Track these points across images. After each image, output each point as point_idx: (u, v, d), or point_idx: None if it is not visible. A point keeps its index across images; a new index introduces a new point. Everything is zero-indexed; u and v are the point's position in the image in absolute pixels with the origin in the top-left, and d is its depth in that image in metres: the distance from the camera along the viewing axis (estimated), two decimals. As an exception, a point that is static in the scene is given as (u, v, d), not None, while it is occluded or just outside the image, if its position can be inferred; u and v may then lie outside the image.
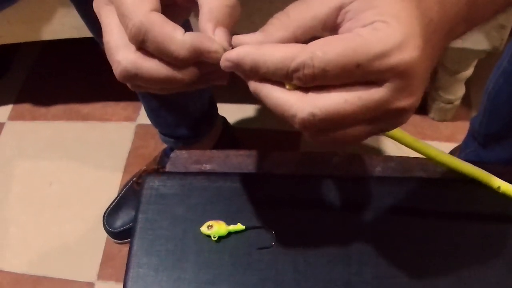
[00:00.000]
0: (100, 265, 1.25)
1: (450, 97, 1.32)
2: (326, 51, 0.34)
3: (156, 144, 1.38)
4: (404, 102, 0.36)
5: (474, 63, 1.23)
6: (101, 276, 1.23)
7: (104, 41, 0.41)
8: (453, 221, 0.58)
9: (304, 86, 0.36)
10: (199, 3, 0.40)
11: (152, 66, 0.39)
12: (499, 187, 0.53)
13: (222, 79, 0.43)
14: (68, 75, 1.58)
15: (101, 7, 0.41)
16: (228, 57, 0.38)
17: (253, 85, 0.38)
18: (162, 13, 0.39)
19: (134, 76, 0.39)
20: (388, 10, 0.35)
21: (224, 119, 1.29)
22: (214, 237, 0.57)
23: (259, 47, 0.37)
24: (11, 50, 1.64)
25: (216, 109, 1.22)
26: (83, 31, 1.19)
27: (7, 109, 1.55)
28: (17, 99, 1.57)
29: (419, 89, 0.37)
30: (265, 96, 0.38)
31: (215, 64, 0.39)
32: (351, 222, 0.58)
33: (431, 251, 0.56)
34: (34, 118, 1.52)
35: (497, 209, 0.58)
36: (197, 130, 1.16)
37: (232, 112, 1.34)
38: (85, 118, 1.50)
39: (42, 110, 1.53)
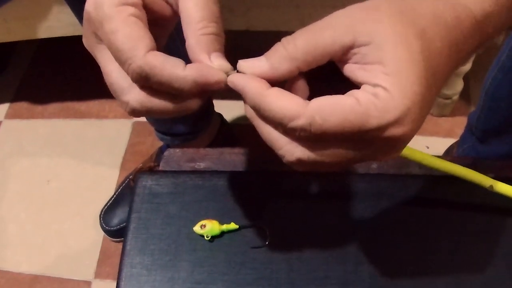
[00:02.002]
0: (97, 264, 1.25)
1: (448, 92, 1.32)
2: (325, 120, 0.35)
3: (153, 141, 1.38)
4: (392, 157, 0.38)
5: (472, 57, 1.22)
6: (98, 274, 1.23)
7: (107, 83, 0.41)
8: (450, 218, 0.57)
9: (296, 141, 0.37)
10: (184, 34, 0.39)
11: (160, 103, 0.39)
12: (491, 186, 0.52)
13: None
14: (65, 73, 1.57)
15: (94, 46, 0.41)
16: (233, 81, 0.38)
17: (250, 113, 0.39)
18: (150, 30, 0.39)
19: (145, 113, 0.40)
20: (394, 73, 0.34)
21: (220, 116, 1.29)
22: (207, 237, 0.56)
23: (264, 93, 0.37)
24: (8, 49, 1.64)
25: (213, 106, 1.21)
26: (80, 28, 1.18)
27: (4, 107, 1.55)
28: (15, 98, 1.56)
29: (409, 138, 0.37)
30: (258, 126, 0.39)
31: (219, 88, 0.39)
32: (346, 219, 0.58)
33: (428, 249, 0.56)
34: (31, 116, 1.52)
35: (494, 205, 0.57)
36: (193, 127, 1.16)
37: (229, 109, 1.33)
38: (82, 115, 1.50)
39: (39, 108, 1.53)
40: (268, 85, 0.37)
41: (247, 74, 0.38)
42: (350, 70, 0.37)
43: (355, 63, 0.36)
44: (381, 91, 0.34)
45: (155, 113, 0.40)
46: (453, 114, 1.39)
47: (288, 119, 0.35)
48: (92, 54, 0.42)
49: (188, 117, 1.13)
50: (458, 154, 1.10)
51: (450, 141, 1.25)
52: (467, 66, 1.24)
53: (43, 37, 1.25)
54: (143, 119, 1.18)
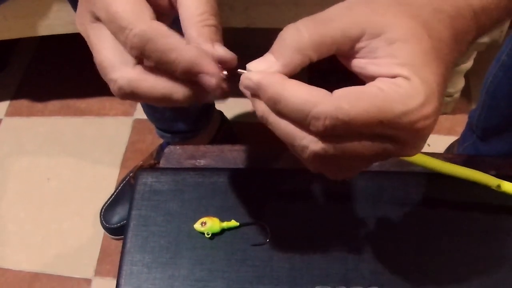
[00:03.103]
0: (98, 261, 1.25)
1: (450, 89, 1.32)
2: (353, 105, 0.34)
3: (154, 139, 1.38)
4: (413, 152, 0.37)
5: (474, 55, 1.22)
6: (99, 272, 1.23)
7: (96, 61, 0.40)
8: (452, 216, 0.57)
9: (317, 134, 0.35)
10: (184, 27, 0.39)
11: (149, 84, 0.38)
12: (498, 186, 0.52)
13: (221, 97, 0.42)
14: (65, 71, 1.57)
15: (87, 25, 0.40)
16: (251, 77, 0.37)
17: (262, 110, 0.37)
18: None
19: (131, 94, 0.39)
20: (410, 63, 0.34)
21: (221, 113, 1.28)
22: (208, 234, 0.56)
23: (285, 82, 0.35)
24: (9, 47, 1.64)
25: (213, 103, 1.21)
26: (80, 26, 1.18)
27: (4, 105, 1.55)
28: (15, 95, 1.56)
29: (433, 126, 0.37)
30: (274, 122, 0.37)
31: (211, 88, 0.38)
32: (347, 217, 0.58)
33: (429, 247, 0.55)
34: (31, 114, 1.52)
35: (497, 204, 0.57)
36: (194, 125, 1.16)
37: (230, 106, 1.33)
38: (82, 113, 1.50)
39: (40, 105, 1.53)
40: (285, 77, 0.36)
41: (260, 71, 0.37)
42: (359, 65, 0.36)
43: (363, 57, 0.36)
44: (401, 80, 0.34)
45: (141, 96, 0.39)
46: (454, 112, 1.39)
47: (312, 105, 0.34)
48: (85, 35, 0.41)
49: (189, 115, 1.13)
50: (458, 152, 1.10)
51: (451, 139, 1.25)
52: (468, 64, 1.24)
53: (43, 34, 1.24)
54: (144, 116, 1.17)
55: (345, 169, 0.39)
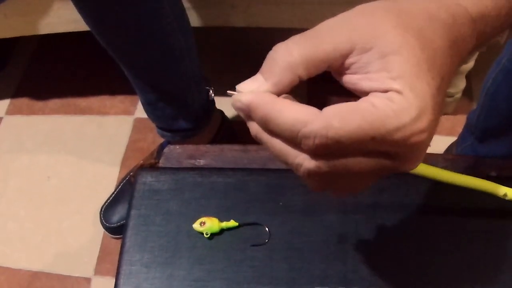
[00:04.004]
0: (97, 260, 1.24)
1: (451, 90, 1.31)
2: (343, 123, 0.33)
3: (154, 138, 1.37)
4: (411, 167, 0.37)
5: (475, 56, 1.22)
6: (98, 271, 1.23)
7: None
8: (452, 217, 0.57)
9: (309, 152, 0.35)
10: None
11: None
12: (505, 194, 0.52)
13: None
14: (65, 69, 1.57)
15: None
16: (240, 99, 0.37)
17: (255, 130, 0.37)
18: None
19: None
20: (402, 76, 0.34)
21: (222, 112, 1.28)
22: (207, 234, 0.56)
23: (274, 102, 0.35)
24: (9, 45, 1.64)
25: (214, 102, 1.21)
26: (80, 25, 1.17)
27: (5, 103, 1.54)
28: (15, 94, 1.56)
29: (429, 140, 0.36)
30: (267, 141, 0.37)
31: None
32: (347, 217, 0.57)
33: (428, 248, 0.55)
34: (32, 112, 1.51)
35: (497, 205, 0.57)
36: (195, 123, 1.15)
37: (230, 106, 1.32)
38: (83, 111, 1.49)
39: (40, 104, 1.52)
40: (275, 96, 0.36)
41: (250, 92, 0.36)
42: (351, 81, 0.36)
43: (355, 73, 0.35)
44: (394, 94, 0.33)
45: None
46: (455, 112, 1.39)
47: (302, 124, 0.34)
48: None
49: (189, 113, 1.13)
50: (457, 153, 1.10)
51: (451, 139, 1.25)
52: (470, 64, 1.24)
53: (43, 33, 1.24)
54: (145, 114, 1.17)
55: (345, 187, 0.39)
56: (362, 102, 0.34)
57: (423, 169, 0.52)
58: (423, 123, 0.34)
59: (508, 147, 0.89)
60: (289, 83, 0.36)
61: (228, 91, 0.38)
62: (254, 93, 0.36)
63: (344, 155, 0.35)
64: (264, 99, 0.35)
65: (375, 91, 0.34)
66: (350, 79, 0.36)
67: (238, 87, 0.37)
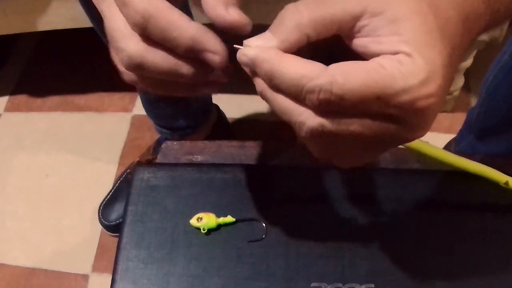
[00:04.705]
0: (95, 257, 1.25)
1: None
2: (347, 79, 0.33)
3: (153, 135, 1.37)
4: (417, 135, 0.36)
5: (473, 53, 1.22)
6: (96, 268, 1.23)
7: (107, 29, 0.39)
8: (450, 214, 0.57)
9: (313, 109, 0.35)
10: None
11: (158, 57, 0.38)
12: (506, 183, 0.52)
13: (223, 77, 0.42)
14: (64, 67, 1.57)
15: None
16: (246, 53, 0.37)
17: (261, 87, 0.37)
18: None
19: (139, 65, 0.38)
20: (413, 41, 0.33)
21: (217, 107, 1.28)
22: (204, 230, 0.56)
23: (280, 57, 0.35)
24: (8, 42, 1.64)
25: (211, 98, 1.21)
26: (79, 22, 1.18)
27: (3, 100, 1.54)
28: (14, 91, 1.56)
29: (437, 107, 0.36)
30: (271, 98, 0.37)
31: (215, 65, 0.38)
32: (344, 214, 0.57)
33: (427, 245, 0.55)
34: (30, 109, 1.51)
35: (495, 201, 0.57)
36: (194, 121, 1.15)
37: (226, 103, 1.32)
38: (81, 109, 1.49)
39: (38, 101, 1.52)
40: (281, 52, 0.36)
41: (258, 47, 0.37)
42: (361, 44, 0.35)
43: (366, 36, 0.35)
44: (403, 56, 0.33)
45: (150, 67, 0.38)
46: (453, 110, 1.39)
47: (307, 79, 0.33)
48: (98, 8, 0.41)
49: (190, 112, 1.13)
50: (455, 151, 1.10)
51: (450, 137, 1.25)
52: (468, 62, 1.24)
53: (42, 30, 1.24)
54: (143, 112, 1.17)
55: (350, 155, 0.38)
56: (371, 62, 0.34)
57: (427, 148, 0.51)
58: (431, 87, 0.34)
59: (508, 145, 0.89)
60: (296, 41, 0.36)
61: (234, 45, 0.38)
62: (260, 48, 0.36)
63: (348, 115, 0.35)
64: (270, 54, 0.35)
65: (384, 53, 0.34)
66: (360, 42, 0.35)
67: (245, 41, 0.37)
